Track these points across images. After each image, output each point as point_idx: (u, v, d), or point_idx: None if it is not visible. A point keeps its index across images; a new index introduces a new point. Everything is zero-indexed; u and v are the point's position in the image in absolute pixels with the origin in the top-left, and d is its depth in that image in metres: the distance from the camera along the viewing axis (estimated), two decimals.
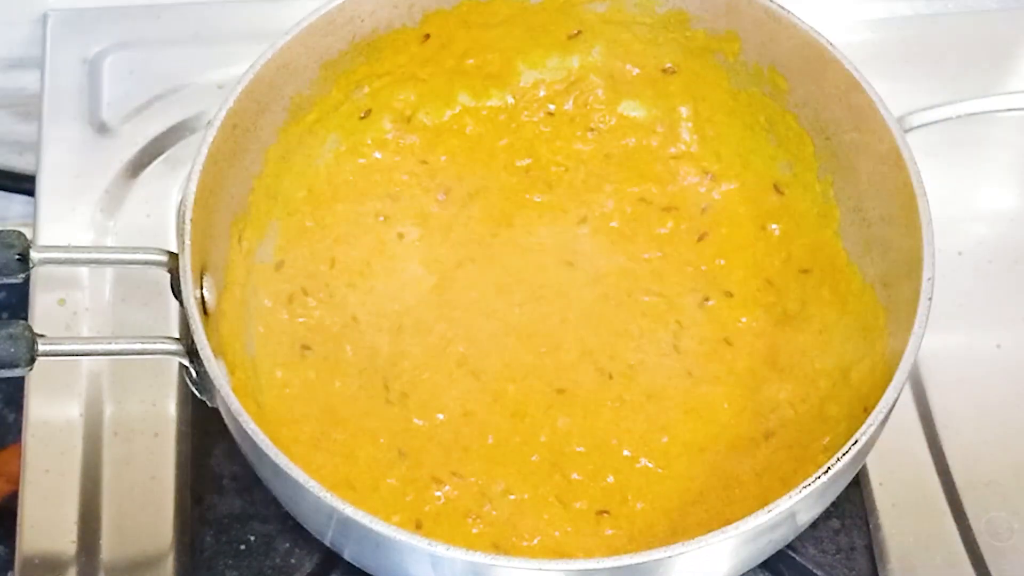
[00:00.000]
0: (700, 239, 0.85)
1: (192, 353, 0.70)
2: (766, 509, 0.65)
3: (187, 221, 0.71)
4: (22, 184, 1.06)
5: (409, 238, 0.85)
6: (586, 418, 0.79)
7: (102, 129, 0.93)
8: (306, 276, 0.83)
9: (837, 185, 0.82)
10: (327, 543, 0.73)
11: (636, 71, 0.87)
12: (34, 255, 0.72)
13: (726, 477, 0.77)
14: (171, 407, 0.82)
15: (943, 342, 0.82)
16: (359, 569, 0.74)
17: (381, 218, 0.85)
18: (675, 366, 0.81)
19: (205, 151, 0.73)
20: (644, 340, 0.82)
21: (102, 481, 0.80)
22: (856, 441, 0.67)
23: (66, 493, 0.79)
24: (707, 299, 0.83)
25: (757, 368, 0.81)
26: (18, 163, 1.07)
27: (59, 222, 0.88)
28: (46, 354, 0.69)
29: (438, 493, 0.76)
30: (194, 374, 0.72)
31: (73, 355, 0.75)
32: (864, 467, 0.80)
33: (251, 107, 0.77)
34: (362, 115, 0.85)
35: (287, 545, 0.78)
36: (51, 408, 0.82)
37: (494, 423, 0.79)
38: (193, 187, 0.72)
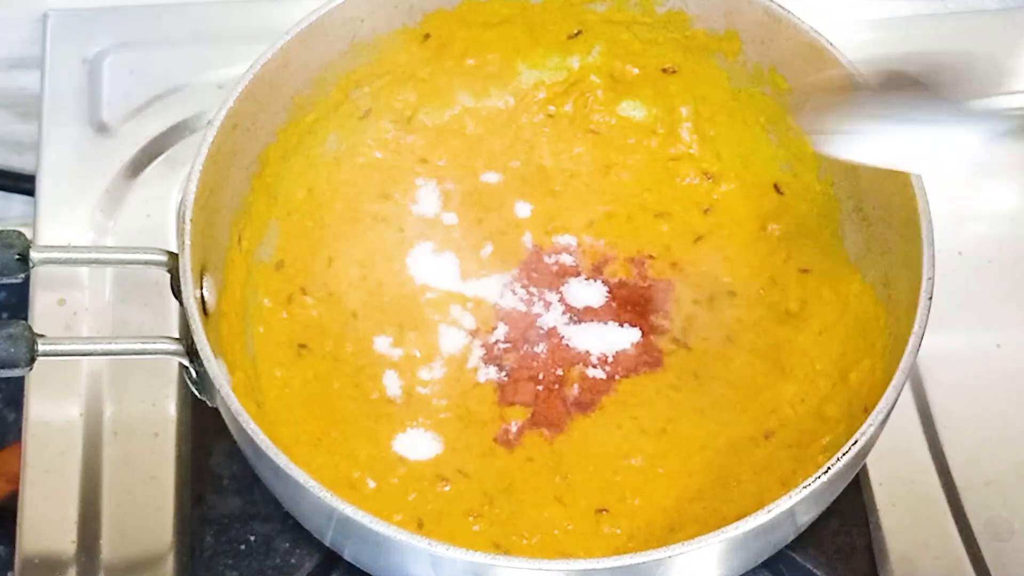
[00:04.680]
0: (700, 239, 0.85)
1: (192, 353, 0.70)
2: (766, 509, 0.65)
3: (187, 221, 0.71)
4: (22, 184, 1.06)
5: (409, 238, 0.85)
6: (587, 416, 0.80)
7: (102, 129, 0.93)
8: (306, 276, 0.83)
9: (837, 185, 0.82)
10: (327, 543, 0.73)
11: (636, 71, 0.87)
12: (34, 255, 0.72)
13: (725, 476, 0.77)
14: (171, 407, 0.82)
15: (943, 342, 0.82)
16: (359, 569, 0.74)
17: (381, 218, 0.85)
18: (678, 364, 0.81)
19: (205, 151, 0.73)
20: (650, 336, 0.82)
21: (102, 481, 0.80)
22: (856, 441, 0.67)
23: (66, 493, 0.79)
24: (712, 297, 0.83)
25: (758, 367, 0.81)
26: (18, 163, 1.07)
27: (59, 222, 0.88)
28: (46, 354, 0.69)
29: (445, 490, 0.76)
30: (194, 374, 0.72)
31: (73, 355, 0.75)
32: (864, 467, 0.80)
33: (251, 107, 0.77)
34: (362, 115, 0.85)
35: (287, 545, 0.78)
36: (51, 408, 0.82)
37: (496, 421, 0.79)
38: (193, 187, 0.72)
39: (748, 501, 0.75)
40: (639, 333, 0.82)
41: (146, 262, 0.73)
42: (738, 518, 0.65)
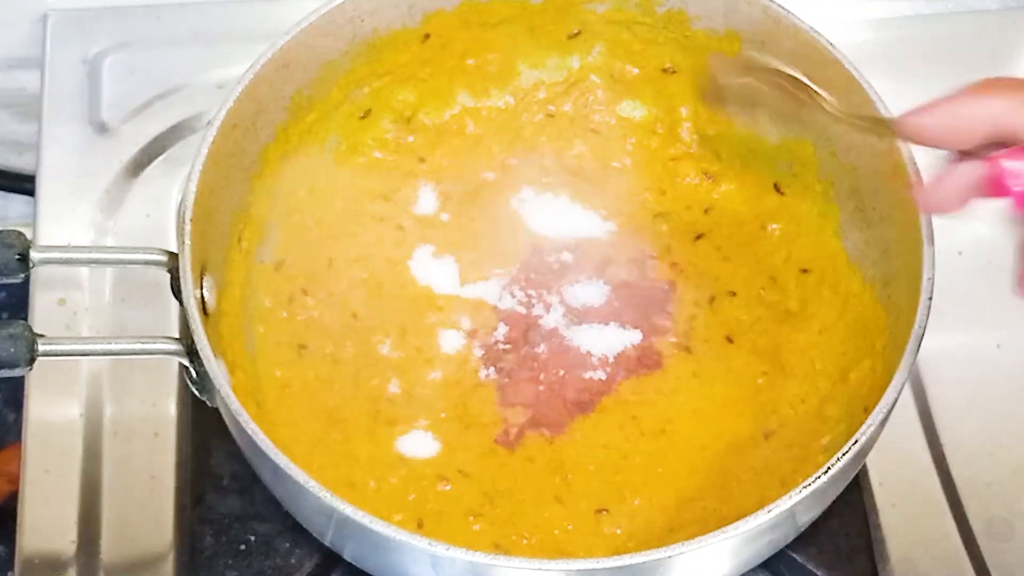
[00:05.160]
0: (700, 239, 0.85)
1: (192, 353, 0.70)
2: (766, 509, 0.65)
3: (187, 221, 0.71)
4: (22, 184, 1.06)
5: (409, 238, 0.85)
6: (587, 416, 0.79)
7: (102, 129, 0.93)
8: (306, 276, 0.83)
9: (837, 185, 0.82)
10: (327, 543, 0.73)
11: (636, 71, 0.87)
12: (34, 255, 0.72)
13: (725, 476, 0.77)
14: (171, 407, 0.82)
15: (943, 342, 0.82)
16: (359, 569, 0.74)
17: (381, 218, 0.85)
18: (678, 365, 0.81)
19: (205, 151, 0.73)
20: (650, 336, 0.82)
21: (102, 481, 0.80)
22: (856, 441, 0.67)
23: (66, 493, 0.79)
24: (712, 297, 0.83)
25: (758, 367, 0.81)
26: (18, 163, 1.07)
27: (59, 222, 0.88)
28: (46, 354, 0.69)
29: (445, 490, 0.76)
30: (194, 374, 0.72)
31: (73, 355, 0.75)
32: (864, 467, 0.80)
33: (251, 107, 0.77)
34: (362, 115, 0.85)
35: (287, 545, 0.78)
36: (51, 408, 0.82)
37: (496, 421, 0.79)
38: (193, 187, 0.72)
39: (748, 501, 0.75)
40: (639, 334, 0.82)
41: (146, 262, 0.73)
42: (738, 518, 0.65)
